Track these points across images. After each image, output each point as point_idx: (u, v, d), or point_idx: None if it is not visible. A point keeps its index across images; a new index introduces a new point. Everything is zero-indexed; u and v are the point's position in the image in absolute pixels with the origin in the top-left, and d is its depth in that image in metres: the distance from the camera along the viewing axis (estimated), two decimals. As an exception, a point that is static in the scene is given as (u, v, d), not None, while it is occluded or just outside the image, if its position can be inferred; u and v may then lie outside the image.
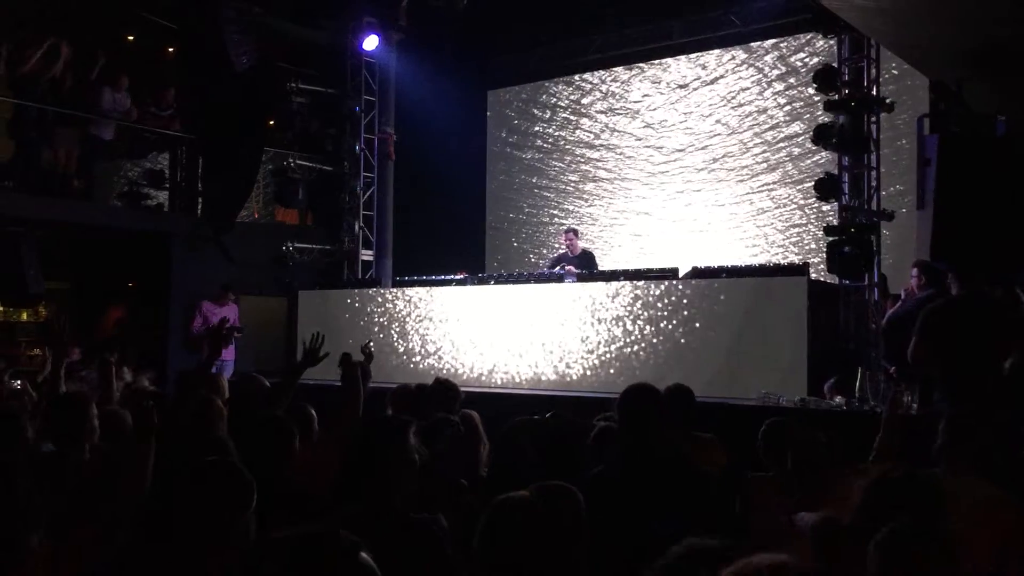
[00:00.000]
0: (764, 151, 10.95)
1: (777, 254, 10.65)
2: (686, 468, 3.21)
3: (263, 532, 2.39)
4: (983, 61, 4.99)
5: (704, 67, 11.48)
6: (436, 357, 9.11)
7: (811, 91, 9.56)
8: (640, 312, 7.90)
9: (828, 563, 2.23)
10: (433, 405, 4.68)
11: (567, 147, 12.63)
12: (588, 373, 8.13)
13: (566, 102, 12.70)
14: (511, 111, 13.30)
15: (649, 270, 8.38)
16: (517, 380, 8.54)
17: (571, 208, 12.52)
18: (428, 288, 9.37)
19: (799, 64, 10.69)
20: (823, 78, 7.74)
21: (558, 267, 9.39)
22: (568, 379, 8.22)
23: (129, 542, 2.46)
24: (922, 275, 6.76)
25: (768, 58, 10.99)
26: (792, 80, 10.78)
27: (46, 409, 3.47)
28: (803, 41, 10.63)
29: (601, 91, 12.36)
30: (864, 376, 6.82)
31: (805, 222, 10.53)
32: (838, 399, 6.77)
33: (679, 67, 11.69)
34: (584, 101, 12.51)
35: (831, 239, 7.46)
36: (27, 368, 10.55)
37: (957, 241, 4.48)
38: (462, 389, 5.29)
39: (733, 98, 11.21)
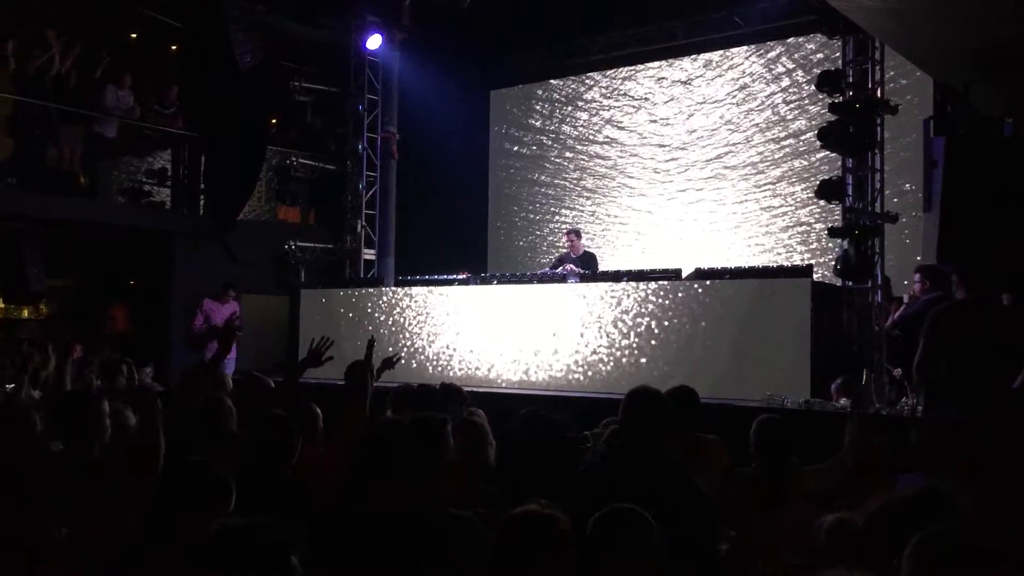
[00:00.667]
0: (767, 150, 10.94)
1: (781, 254, 10.64)
2: (672, 474, 3.17)
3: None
4: (990, 62, 4.97)
5: (707, 67, 11.47)
6: (438, 357, 9.10)
7: (815, 90, 9.54)
8: (643, 313, 7.89)
9: (842, 565, 2.24)
10: (438, 408, 4.66)
11: (570, 147, 12.62)
12: (591, 374, 8.11)
13: (569, 102, 12.68)
14: (514, 111, 13.28)
15: (652, 271, 8.37)
16: (518, 380, 8.52)
17: (574, 208, 12.51)
18: (430, 288, 9.36)
19: (803, 65, 10.68)
20: (827, 80, 7.72)
21: (560, 268, 9.38)
22: (570, 380, 8.21)
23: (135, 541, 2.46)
24: (925, 280, 6.77)
25: (772, 58, 10.97)
26: (796, 80, 10.76)
27: (54, 407, 3.45)
28: (807, 42, 10.62)
29: (604, 91, 12.35)
30: (869, 378, 6.81)
31: (812, 221, 10.51)
32: (843, 401, 6.76)
33: (682, 67, 11.68)
34: (587, 101, 12.50)
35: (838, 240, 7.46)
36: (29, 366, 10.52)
37: (964, 243, 4.47)
38: (464, 389, 5.28)
39: (736, 96, 11.20)
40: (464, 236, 12.81)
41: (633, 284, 8.05)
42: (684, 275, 8.01)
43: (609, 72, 12.28)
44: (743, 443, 4.40)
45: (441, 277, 9.46)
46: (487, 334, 8.79)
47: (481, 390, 7.98)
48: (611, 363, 8.03)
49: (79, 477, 2.54)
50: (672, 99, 11.72)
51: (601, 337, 8.10)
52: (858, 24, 5.98)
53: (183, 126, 11.48)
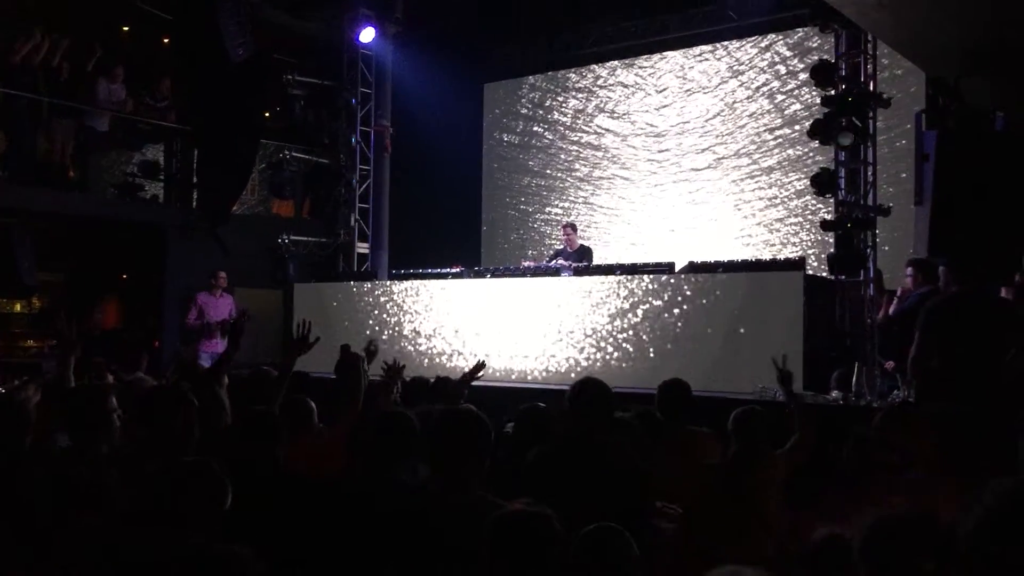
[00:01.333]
0: (761, 144, 10.97)
1: (775, 246, 10.68)
2: (603, 458, 3.41)
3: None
4: (980, 56, 4.99)
5: (701, 60, 11.49)
6: (431, 350, 9.11)
7: (808, 85, 9.60)
8: (636, 306, 7.91)
9: None
10: (433, 401, 4.69)
11: (563, 140, 12.64)
12: (584, 366, 8.13)
13: (562, 95, 12.69)
14: (507, 104, 13.29)
15: (645, 264, 8.38)
16: (512, 374, 8.53)
17: (567, 201, 12.53)
18: (423, 281, 9.36)
19: (796, 58, 10.70)
20: (820, 73, 7.74)
21: (554, 261, 9.39)
22: (563, 372, 8.22)
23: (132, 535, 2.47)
24: (917, 273, 6.79)
25: (764, 52, 10.99)
26: (788, 74, 10.79)
27: (61, 403, 3.43)
28: (800, 36, 10.64)
29: (598, 84, 12.36)
30: (861, 371, 6.84)
31: (807, 214, 10.54)
32: (835, 393, 6.80)
33: (676, 61, 11.69)
34: (580, 94, 12.51)
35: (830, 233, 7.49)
36: (21, 360, 10.51)
37: (955, 237, 4.49)
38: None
39: (729, 90, 11.22)
40: (457, 229, 12.83)
41: (626, 277, 8.07)
42: (677, 268, 8.03)
43: (602, 64, 12.29)
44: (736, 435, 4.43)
45: (434, 270, 9.46)
46: (480, 327, 8.80)
47: (474, 383, 7.97)
48: (604, 356, 8.05)
49: (84, 472, 2.54)
50: (665, 94, 11.74)
51: (594, 331, 8.12)
52: (849, 18, 5.98)
53: (175, 119, 11.44)
